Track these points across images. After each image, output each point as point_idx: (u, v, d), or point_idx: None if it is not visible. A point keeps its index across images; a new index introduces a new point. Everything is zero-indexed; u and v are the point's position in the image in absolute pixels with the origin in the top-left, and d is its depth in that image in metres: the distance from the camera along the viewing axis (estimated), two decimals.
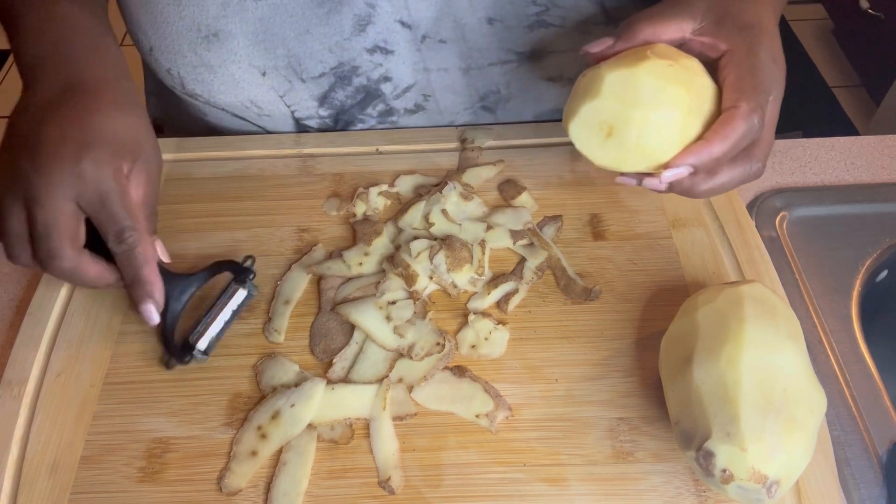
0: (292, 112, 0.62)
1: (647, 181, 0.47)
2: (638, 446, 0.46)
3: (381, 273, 0.53)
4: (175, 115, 0.70)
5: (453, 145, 0.63)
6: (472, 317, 0.51)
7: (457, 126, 0.65)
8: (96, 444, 0.47)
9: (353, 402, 0.47)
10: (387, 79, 0.60)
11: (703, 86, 0.46)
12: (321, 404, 0.47)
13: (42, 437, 0.47)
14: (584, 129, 0.47)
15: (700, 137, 0.45)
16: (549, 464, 0.45)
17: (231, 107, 0.60)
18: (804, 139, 0.66)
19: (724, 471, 0.38)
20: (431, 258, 0.52)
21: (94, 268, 0.46)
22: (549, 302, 0.53)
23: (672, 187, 0.46)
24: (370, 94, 0.61)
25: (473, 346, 0.50)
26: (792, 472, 0.38)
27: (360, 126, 0.64)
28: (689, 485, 0.44)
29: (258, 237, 0.57)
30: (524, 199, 0.58)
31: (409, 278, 0.52)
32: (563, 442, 0.46)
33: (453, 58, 0.59)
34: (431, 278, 0.52)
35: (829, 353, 0.51)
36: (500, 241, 0.55)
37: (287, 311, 0.52)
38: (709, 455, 0.39)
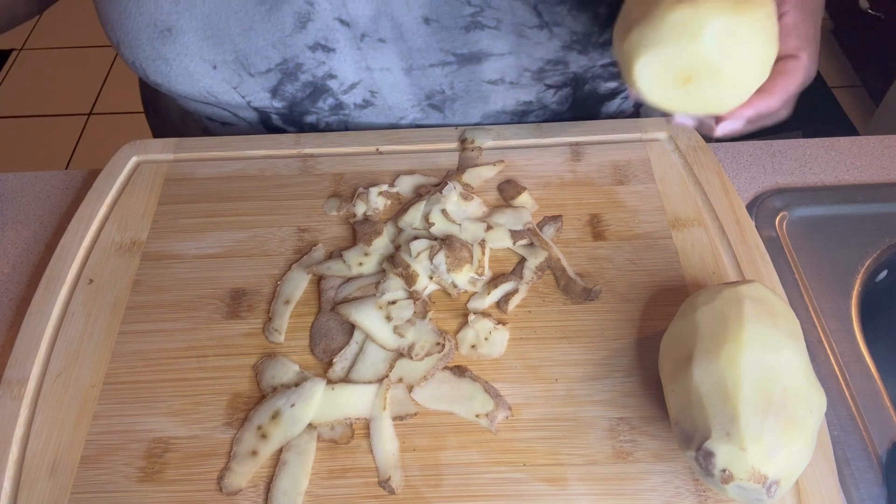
0: (248, 102, 0.62)
1: (701, 124, 0.46)
2: (638, 446, 0.46)
3: (381, 273, 0.53)
4: (159, 97, 0.73)
5: (453, 145, 0.63)
6: (472, 317, 0.51)
7: (457, 126, 0.65)
8: (96, 444, 0.47)
9: (353, 401, 0.47)
10: (332, 76, 0.61)
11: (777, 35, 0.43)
12: (321, 404, 0.47)
13: (42, 437, 0.47)
14: (656, 69, 0.42)
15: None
16: (549, 464, 0.45)
17: (192, 96, 0.61)
18: (804, 139, 0.66)
19: (724, 471, 0.38)
20: (431, 258, 0.52)
21: None
22: (549, 302, 0.53)
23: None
24: (318, 89, 0.62)
25: (473, 346, 0.50)
26: (792, 471, 0.38)
27: (313, 118, 0.65)
28: (689, 485, 0.44)
29: (258, 237, 0.57)
30: (524, 199, 0.58)
31: (409, 278, 0.52)
32: (563, 442, 0.46)
33: (394, 57, 0.59)
34: (431, 278, 0.52)
35: (829, 353, 0.51)
36: (500, 241, 0.55)
37: (287, 311, 0.52)
38: (708, 455, 0.39)
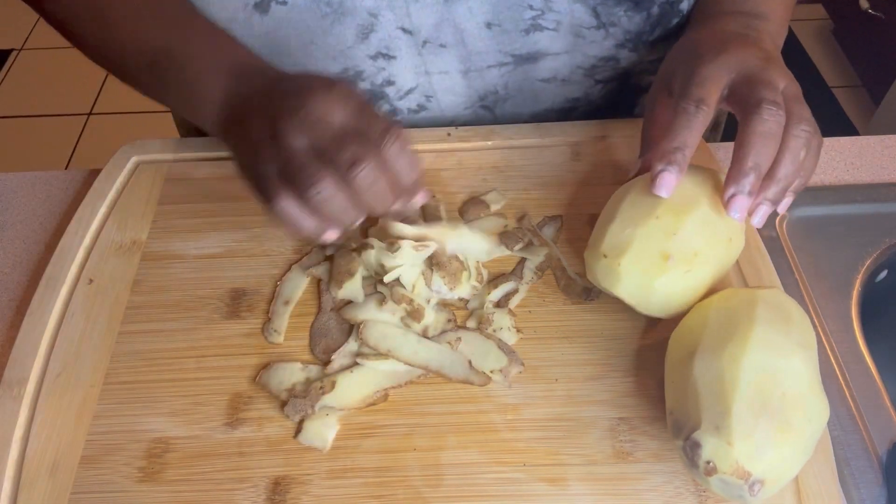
0: None
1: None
2: (638, 446, 0.46)
3: (377, 294, 0.52)
4: None
5: (453, 146, 0.63)
6: (491, 308, 0.52)
7: (456, 126, 0.65)
8: (96, 444, 0.47)
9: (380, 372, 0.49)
10: (390, 83, 0.61)
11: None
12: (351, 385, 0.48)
13: (42, 437, 0.47)
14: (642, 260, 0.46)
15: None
16: (549, 464, 0.45)
17: None
18: None
19: (709, 462, 0.38)
20: (429, 284, 0.51)
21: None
22: (549, 302, 0.53)
23: (765, 210, 0.46)
24: (375, 96, 0.62)
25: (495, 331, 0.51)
26: (780, 474, 0.38)
27: None
28: (689, 485, 0.44)
29: (258, 237, 0.57)
30: (494, 205, 0.58)
31: (416, 313, 0.50)
32: (563, 442, 0.46)
33: (453, 61, 0.60)
34: (430, 301, 0.52)
35: (829, 353, 0.51)
36: (489, 252, 0.54)
37: (286, 312, 0.52)
38: (695, 445, 0.39)
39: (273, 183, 0.42)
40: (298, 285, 0.54)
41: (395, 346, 0.49)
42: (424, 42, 0.58)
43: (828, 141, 0.65)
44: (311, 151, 0.41)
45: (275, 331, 0.51)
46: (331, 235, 0.44)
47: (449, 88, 0.63)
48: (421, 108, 0.64)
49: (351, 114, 0.42)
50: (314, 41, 0.57)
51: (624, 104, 0.69)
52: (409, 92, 0.62)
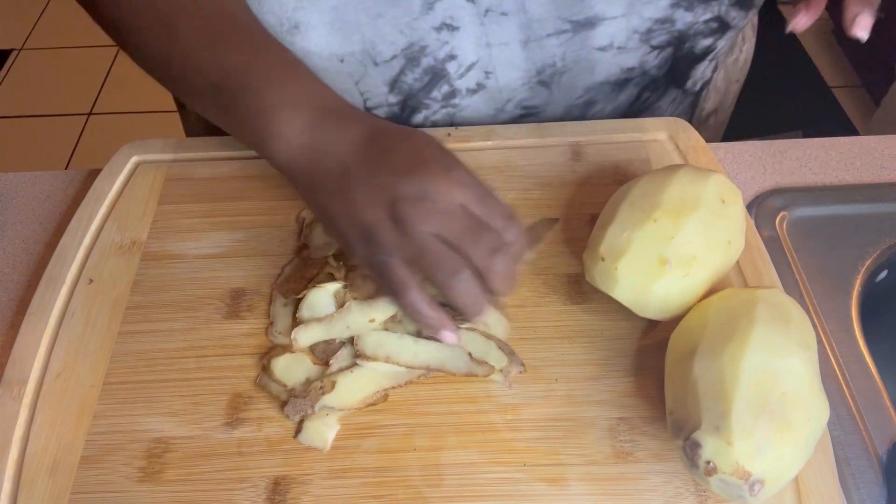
0: (364, 101, 0.63)
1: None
2: (638, 446, 0.46)
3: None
4: None
5: (453, 146, 0.63)
6: None
7: (455, 127, 0.65)
8: (96, 444, 0.47)
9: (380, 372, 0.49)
10: (452, 57, 0.62)
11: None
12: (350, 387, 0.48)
13: (42, 437, 0.47)
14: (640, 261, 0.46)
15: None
16: (549, 464, 0.45)
17: None
18: (804, 139, 0.66)
19: (709, 462, 0.38)
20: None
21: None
22: (549, 302, 0.53)
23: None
24: (436, 76, 0.63)
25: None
26: (780, 474, 0.38)
27: (423, 113, 0.66)
28: (689, 485, 0.44)
29: (258, 237, 0.57)
30: None
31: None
32: (563, 442, 0.46)
33: (514, 30, 0.61)
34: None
35: (829, 353, 0.51)
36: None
37: (288, 313, 0.52)
38: (695, 445, 0.39)
39: (399, 273, 0.43)
40: None
41: (394, 352, 0.49)
42: (486, 11, 0.59)
43: (828, 141, 0.65)
44: (443, 243, 0.43)
45: (279, 333, 0.51)
46: (449, 338, 0.46)
47: (509, 61, 0.63)
48: (479, 86, 0.64)
49: (474, 201, 0.43)
50: (382, 14, 0.58)
51: (677, 74, 0.68)
52: (470, 67, 0.63)
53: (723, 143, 0.65)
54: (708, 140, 0.62)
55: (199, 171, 0.62)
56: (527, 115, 0.67)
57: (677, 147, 0.62)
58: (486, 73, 0.63)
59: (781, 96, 0.83)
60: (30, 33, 2.32)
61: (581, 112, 0.68)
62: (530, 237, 0.56)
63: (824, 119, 1.90)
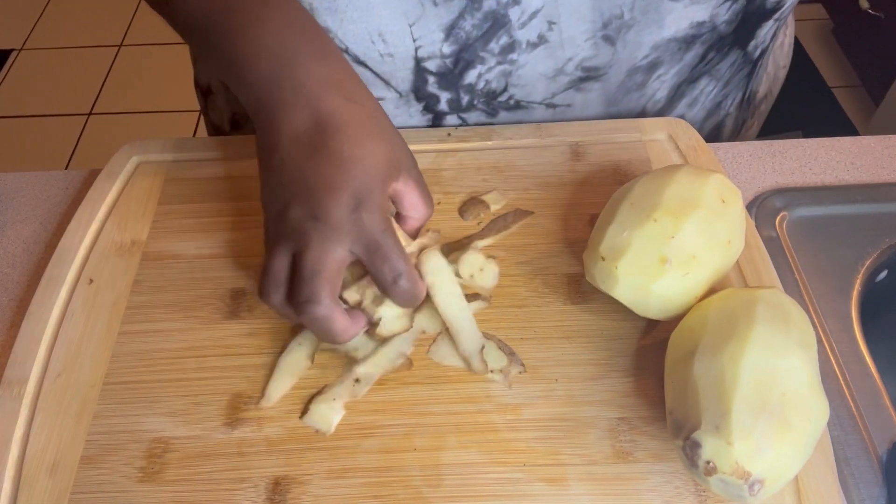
0: (416, 49, 0.61)
1: None
2: (638, 446, 0.46)
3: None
4: None
5: (453, 146, 0.63)
6: (465, 253, 0.53)
7: (455, 127, 0.65)
8: (96, 444, 0.47)
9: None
10: (515, 2, 0.59)
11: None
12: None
13: (42, 437, 0.47)
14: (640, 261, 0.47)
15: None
16: (549, 464, 0.45)
17: (357, 41, 0.59)
18: (804, 139, 0.66)
19: (709, 462, 0.38)
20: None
21: (342, 319, 0.46)
22: (549, 302, 0.53)
23: None
24: (497, 23, 0.60)
25: (472, 276, 0.53)
26: (779, 474, 0.38)
27: (478, 69, 0.63)
28: (689, 485, 0.44)
29: (259, 237, 0.57)
30: (494, 205, 0.59)
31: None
32: (563, 442, 0.46)
33: None
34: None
35: (829, 353, 0.51)
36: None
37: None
38: (695, 445, 0.39)
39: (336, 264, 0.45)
40: None
41: (438, 284, 0.50)
42: None
43: (828, 141, 0.65)
44: (284, 269, 0.45)
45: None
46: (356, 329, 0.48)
47: (575, 10, 0.59)
48: (541, 39, 0.61)
49: (366, 248, 0.45)
50: None
51: (744, 33, 0.66)
52: (534, 15, 0.59)
53: (723, 144, 0.65)
54: (708, 140, 0.62)
55: (199, 171, 0.62)
56: (587, 78, 0.65)
57: (677, 147, 0.62)
58: (550, 23, 0.60)
59: (781, 96, 0.83)
60: (30, 33, 2.32)
61: (643, 78, 0.66)
62: (497, 226, 0.56)
63: (824, 119, 1.90)
